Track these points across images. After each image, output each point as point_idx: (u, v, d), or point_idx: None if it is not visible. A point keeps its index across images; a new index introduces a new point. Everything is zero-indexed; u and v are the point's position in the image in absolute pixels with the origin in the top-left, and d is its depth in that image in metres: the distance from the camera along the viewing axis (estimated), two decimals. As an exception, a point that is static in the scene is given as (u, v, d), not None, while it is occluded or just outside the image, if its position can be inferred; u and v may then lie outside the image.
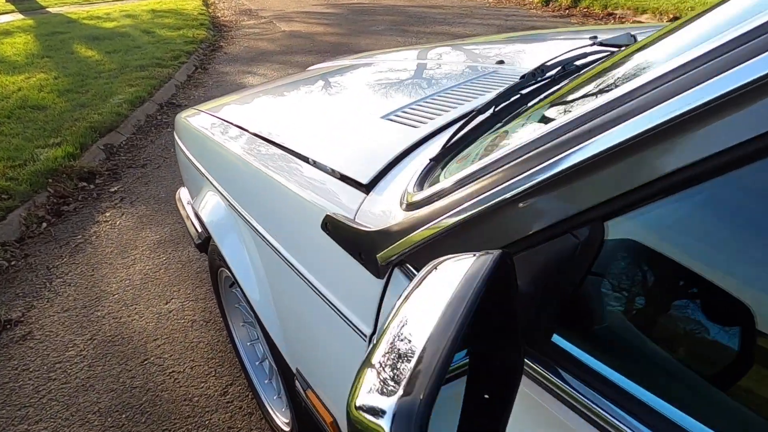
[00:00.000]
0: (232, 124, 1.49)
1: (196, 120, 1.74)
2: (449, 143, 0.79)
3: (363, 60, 2.19)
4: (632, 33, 1.30)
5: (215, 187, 1.40)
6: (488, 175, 0.54)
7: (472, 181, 0.56)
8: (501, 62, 1.41)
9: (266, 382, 1.74)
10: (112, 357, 2.10)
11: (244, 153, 1.26)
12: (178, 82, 5.87)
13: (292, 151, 1.10)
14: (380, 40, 7.54)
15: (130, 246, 2.87)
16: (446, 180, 0.65)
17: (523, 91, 0.94)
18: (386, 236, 0.65)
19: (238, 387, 1.91)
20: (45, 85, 5.42)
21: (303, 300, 0.95)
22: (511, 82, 1.21)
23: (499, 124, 0.82)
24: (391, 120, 1.09)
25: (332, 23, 9.32)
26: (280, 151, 1.15)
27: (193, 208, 1.67)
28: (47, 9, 11.25)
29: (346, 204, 0.84)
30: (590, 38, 1.65)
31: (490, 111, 0.91)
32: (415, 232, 0.59)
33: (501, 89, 0.89)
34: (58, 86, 5.39)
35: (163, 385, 1.95)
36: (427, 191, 0.66)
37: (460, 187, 0.58)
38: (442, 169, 0.75)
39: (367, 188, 0.85)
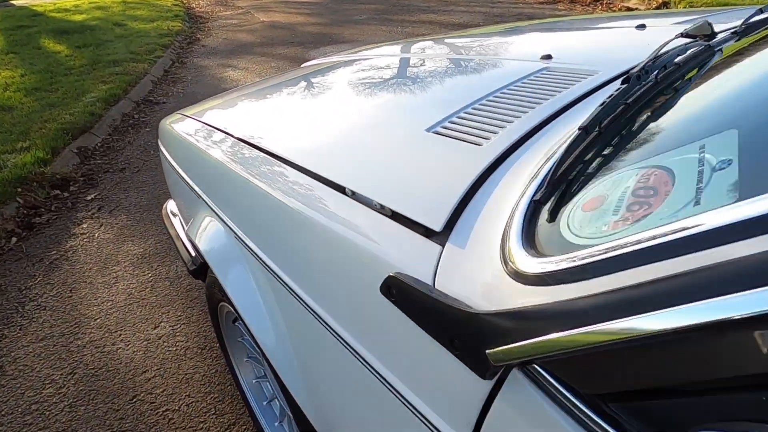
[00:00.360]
0: (229, 134, 1.27)
1: (184, 127, 1.51)
2: (555, 176, 0.58)
3: (365, 54, 1.97)
4: (708, 21, 1.11)
5: (214, 212, 1.18)
6: (723, 253, 0.34)
7: (673, 256, 0.36)
8: (548, 57, 1.21)
9: (276, 424, 1.53)
10: (96, 394, 1.86)
11: (250, 174, 1.04)
12: (155, 78, 5.56)
13: (318, 175, 0.89)
14: (364, 29, 7.29)
15: (112, 261, 2.62)
16: (588, 242, 0.45)
17: (622, 99, 0.73)
18: (504, 325, 0.45)
19: (242, 426, 1.70)
20: (11, 84, 5.07)
21: (346, 372, 0.75)
22: (573, 81, 1.01)
23: (609, 147, 0.62)
24: (441, 134, 0.88)
25: (312, 13, 9.01)
26: (299, 174, 0.93)
27: (186, 233, 1.44)
28: (11, 2, 10.71)
29: (412, 258, 0.63)
30: (636, 27, 1.46)
31: (579, 126, 0.71)
32: (568, 333, 0.39)
33: (605, 98, 0.69)
34: (25, 84, 5.04)
35: (156, 427, 1.72)
36: (559, 259, 0.46)
37: (642, 262, 0.38)
38: (552, 214, 0.55)
39: (440, 237, 0.64)
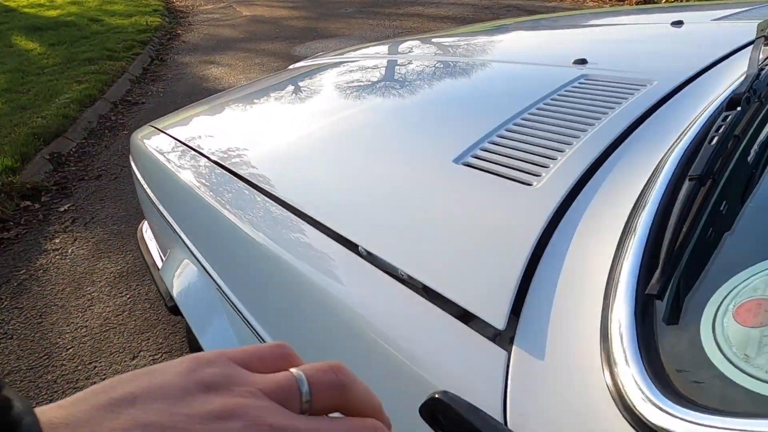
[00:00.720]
0: (210, 158, 1.07)
1: (158, 144, 1.31)
2: (669, 254, 0.41)
3: (360, 54, 1.78)
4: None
5: (192, 254, 0.99)
6: None
7: None
8: (581, 61, 1.03)
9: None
10: (67, 440, 1.67)
11: (235, 215, 0.86)
12: (133, 77, 5.30)
13: (320, 224, 0.70)
14: (351, 23, 7.08)
15: (86, 281, 2.41)
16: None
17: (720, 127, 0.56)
18: None
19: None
20: (-21, 85, 4.80)
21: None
22: (625, 94, 0.84)
23: (744, 209, 0.45)
24: (474, 167, 0.70)
25: (297, 6, 8.76)
26: (296, 220, 0.75)
27: (159, 272, 1.24)
28: (-18, -3, 10.30)
29: (464, 365, 0.45)
30: (672, 24, 1.29)
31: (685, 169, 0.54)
32: None
33: (712, 132, 0.51)
34: (-5, 85, 4.77)
35: (134, 478, 1.53)
36: (741, 424, 0.28)
37: None
38: (673, 313, 0.37)
39: (502, 334, 0.46)
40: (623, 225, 0.50)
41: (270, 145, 1.05)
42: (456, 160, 0.72)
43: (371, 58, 1.64)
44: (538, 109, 0.85)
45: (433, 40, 1.75)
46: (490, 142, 0.76)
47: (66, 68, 5.23)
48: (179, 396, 0.23)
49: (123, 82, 5.05)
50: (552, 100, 0.87)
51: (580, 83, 0.93)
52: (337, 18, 7.49)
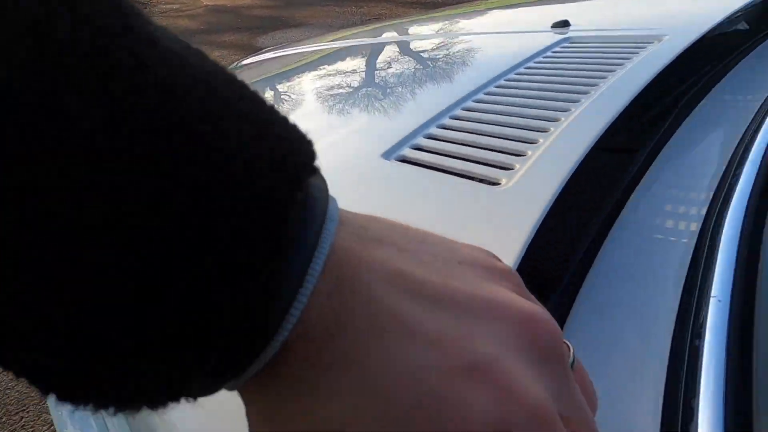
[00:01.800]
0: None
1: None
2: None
3: (312, 48, 1.55)
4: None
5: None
6: None
7: None
8: (563, 24, 0.82)
9: None
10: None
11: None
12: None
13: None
14: (317, 11, 6.80)
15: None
16: None
17: None
18: None
19: None
20: None
21: None
22: (629, 51, 0.63)
23: None
24: (411, 162, 0.48)
25: (260, -6, 8.43)
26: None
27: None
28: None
29: None
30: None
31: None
32: None
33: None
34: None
35: None
36: None
37: None
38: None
39: None
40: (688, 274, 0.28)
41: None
42: (386, 155, 0.50)
43: (328, 50, 1.42)
44: (507, 80, 0.63)
45: (394, 26, 1.53)
46: (438, 127, 0.53)
47: None
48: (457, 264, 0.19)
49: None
50: (526, 69, 0.65)
51: (564, 47, 0.71)
52: (302, 6, 7.20)
